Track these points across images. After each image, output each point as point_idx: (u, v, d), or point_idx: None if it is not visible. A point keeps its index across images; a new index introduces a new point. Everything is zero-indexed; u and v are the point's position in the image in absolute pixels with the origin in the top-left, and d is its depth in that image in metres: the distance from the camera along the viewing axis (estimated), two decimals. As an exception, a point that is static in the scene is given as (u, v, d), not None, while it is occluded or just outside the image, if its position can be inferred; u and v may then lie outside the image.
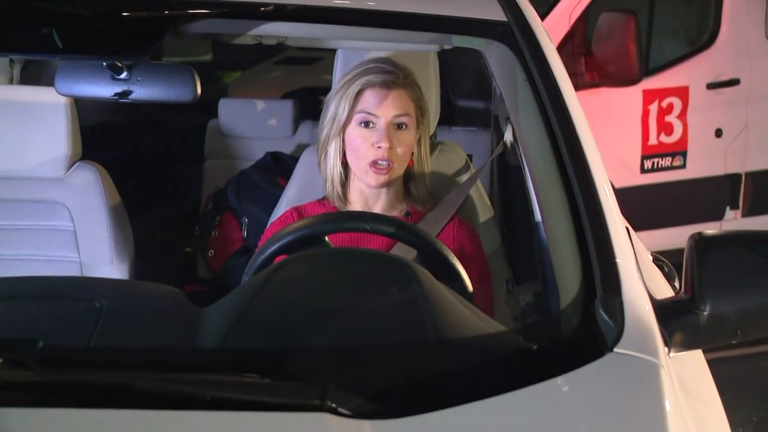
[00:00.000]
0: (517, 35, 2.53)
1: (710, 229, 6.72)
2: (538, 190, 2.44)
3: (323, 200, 2.99)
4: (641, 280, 2.13)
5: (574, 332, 2.02)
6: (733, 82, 6.62)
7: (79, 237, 3.34)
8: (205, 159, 3.90)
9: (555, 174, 2.29)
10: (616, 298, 2.02)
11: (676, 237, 6.58)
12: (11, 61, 4.04)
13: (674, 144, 6.52)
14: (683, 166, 6.57)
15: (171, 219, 3.66)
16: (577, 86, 6.30)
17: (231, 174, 3.63)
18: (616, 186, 6.42)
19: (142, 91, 2.52)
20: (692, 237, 2.23)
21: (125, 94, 2.51)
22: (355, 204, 2.93)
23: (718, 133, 6.61)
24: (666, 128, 6.50)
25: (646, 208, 6.41)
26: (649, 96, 6.42)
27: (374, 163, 2.82)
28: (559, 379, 1.87)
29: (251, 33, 2.61)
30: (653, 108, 6.44)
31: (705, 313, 2.10)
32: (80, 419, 1.74)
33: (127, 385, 1.80)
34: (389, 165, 2.82)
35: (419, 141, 2.93)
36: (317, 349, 2.05)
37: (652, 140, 6.47)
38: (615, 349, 1.92)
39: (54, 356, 1.91)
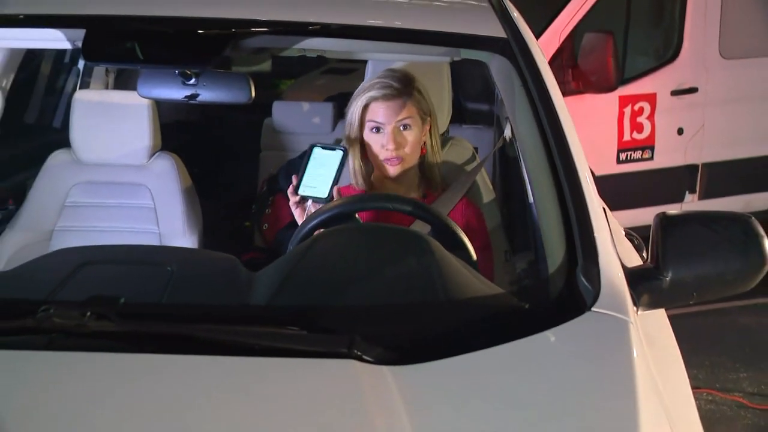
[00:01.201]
0: (514, 49, 2.48)
1: (673, 209, 6.66)
2: (531, 177, 2.39)
3: (350, 186, 2.96)
4: (615, 251, 2.09)
5: (559, 294, 1.98)
6: (692, 90, 6.54)
7: (159, 213, 3.32)
8: (261, 151, 3.86)
9: (545, 164, 2.25)
10: (594, 266, 1.98)
11: (645, 215, 6.51)
12: (107, 70, 4.03)
13: (644, 140, 6.46)
14: (651, 158, 6.50)
15: (234, 199, 3.62)
16: (565, 93, 6.18)
17: (281, 163, 3.59)
18: (597, 174, 6.35)
19: (207, 95, 2.48)
20: (657, 216, 2.20)
21: (193, 96, 2.47)
22: (379, 189, 2.89)
23: (680, 131, 6.54)
24: (637, 127, 6.43)
25: (621, 191, 6.34)
26: (624, 101, 6.36)
27: (388, 160, 2.81)
28: (547, 333, 1.84)
29: (296, 47, 2.55)
30: (627, 110, 6.38)
31: (667, 279, 2.06)
32: (151, 362, 1.72)
33: (189, 335, 1.77)
34: (400, 159, 2.81)
35: (430, 134, 2.89)
36: (347, 307, 2.02)
37: (626, 137, 6.40)
38: (593, 309, 1.89)
39: (131, 311, 1.87)
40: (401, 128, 2.82)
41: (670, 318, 5.74)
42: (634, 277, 2.09)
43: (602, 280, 1.95)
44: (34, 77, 4.27)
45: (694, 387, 4.88)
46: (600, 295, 1.92)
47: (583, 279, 1.96)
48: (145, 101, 3.23)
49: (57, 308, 1.79)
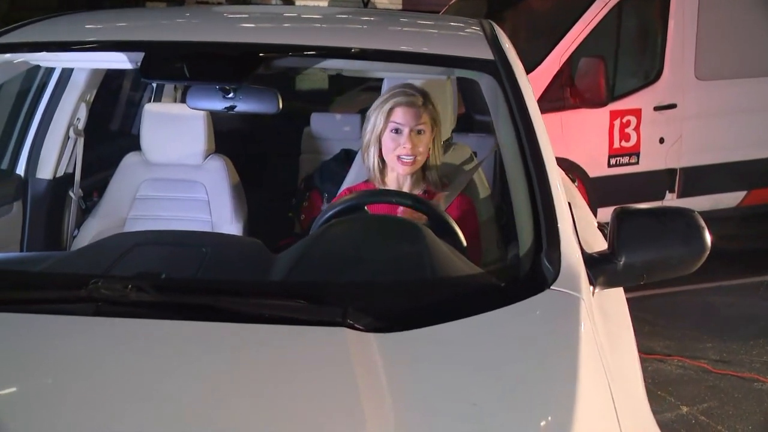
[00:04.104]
0: (500, 70, 2.42)
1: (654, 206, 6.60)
2: (509, 176, 2.35)
3: (368, 181, 2.90)
4: (576, 239, 2.05)
5: (526, 275, 1.95)
6: (672, 106, 6.44)
7: (211, 205, 3.30)
8: (301, 154, 3.85)
9: (520, 166, 2.20)
10: (556, 251, 1.95)
11: (632, 211, 6.46)
12: (175, 86, 4.03)
13: (631, 147, 6.37)
14: (637, 163, 6.41)
15: (277, 194, 3.60)
16: (564, 107, 6.17)
17: (317, 164, 3.58)
18: (591, 175, 6.29)
19: (243, 106, 2.47)
20: (615, 210, 2.15)
21: (231, 107, 2.46)
22: (390, 185, 2.83)
23: (661, 140, 6.45)
24: (625, 137, 6.35)
25: (611, 190, 6.28)
26: (614, 115, 6.27)
27: (399, 158, 2.75)
28: (512, 306, 1.81)
29: (318, 66, 2.54)
30: (617, 123, 6.30)
31: (621, 263, 2.03)
32: (175, 327, 1.71)
33: (208, 305, 1.76)
34: (413, 159, 2.75)
35: (433, 141, 2.83)
36: (345, 283, 1.99)
37: (616, 145, 6.32)
38: (552, 287, 1.86)
39: (167, 285, 1.87)
40: (417, 132, 2.76)
41: (649, 297, 5.69)
42: (592, 261, 2.06)
43: (562, 264, 1.92)
44: (118, 92, 4.28)
45: (666, 354, 4.86)
46: (559, 276, 1.88)
47: (546, 262, 1.93)
48: (201, 113, 3.21)
49: (104, 282, 1.78)
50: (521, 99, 2.34)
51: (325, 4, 15.86)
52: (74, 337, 1.69)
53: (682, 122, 6.50)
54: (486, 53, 2.49)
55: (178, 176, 3.31)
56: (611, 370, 1.73)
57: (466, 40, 2.69)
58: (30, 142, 3.30)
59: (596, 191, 6.28)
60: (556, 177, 2.19)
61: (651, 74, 6.46)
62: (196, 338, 1.68)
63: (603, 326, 1.97)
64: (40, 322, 1.72)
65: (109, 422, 1.45)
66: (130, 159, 3.32)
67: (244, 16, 3.08)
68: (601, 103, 6.13)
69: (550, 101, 6.09)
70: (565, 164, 6.19)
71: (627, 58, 6.46)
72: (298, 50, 2.45)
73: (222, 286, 1.90)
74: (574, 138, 6.17)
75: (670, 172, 6.55)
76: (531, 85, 2.52)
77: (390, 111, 2.76)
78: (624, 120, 6.32)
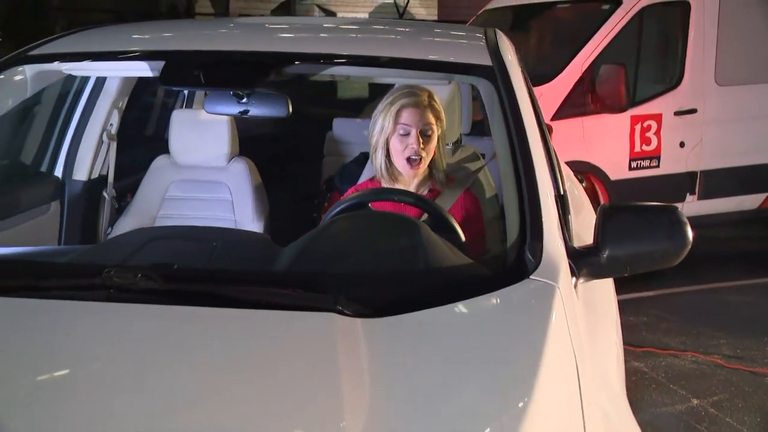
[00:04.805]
0: (497, 75, 2.45)
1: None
2: (501, 175, 2.40)
3: (373, 179, 2.94)
4: (559, 234, 2.08)
5: (511, 265, 1.98)
6: (692, 111, 6.43)
7: (234, 204, 3.36)
8: (324, 157, 3.90)
9: (510, 165, 2.23)
10: (538, 244, 1.99)
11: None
12: (205, 93, 4.11)
13: (652, 151, 6.37)
14: (658, 166, 6.40)
15: (301, 194, 3.66)
16: (585, 113, 6.19)
17: (338, 166, 3.64)
18: (612, 178, 6.30)
19: (255, 110, 2.53)
20: (601, 206, 2.20)
21: (245, 111, 2.52)
22: (397, 184, 2.86)
23: (682, 144, 6.44)
24: (646, 141, 6.34)
25: (632, 193, 6.28)
26: (635, 119, 6.28)
27: (408, 159, 2.77)
28: (493, 294, 1.86)
29: (327, 72, 2.60)
30: (638, 127, 6.30)
31: (604, 256, 2.06)
32: (183, 313, 1.79)
33: (213, 293, 1.84)
34: (420, 159, 2.77)
35: (438, 140, 2.84)
36: (340, 273, 2.04)
37: (637, 149, 6.32)
38: (531, 277, 1.90)
39: (173, 274, 1.95)
40: (425, 132, 2.78)
41: (669, 296, 5.70)
42: (577, 254, 2.09)
43: (543, 255, 1.95)
44: (152, 100, 4.40)
45: (681, 350, 4.86)
46: (539, 267, 1.92)
47: (528, 254, 1.96)
48: (226, 118, 3.30)
49: (117, 271, 1.86)
50: (515, 102, 2.37)
51: (366, 15, 15.95)
52: (88, 320, 1.78)
53: (702, 126, 6.48)
54: (485, 60, 2.52)
55: (204, 177, 3.38)
56: (585, 359, 1.76)
57: (469, 48, 2.72)
58: (67, 146, 3.41)
59: (617, 194, 6.28)
60: (545, 176, 2.22)
61: (672, 80, 6.45)
62: (196, 321, 1.74)
63: (585, 317, 2.01)
64: (60, 306, 1.81)
65: (113, 386, 1.55)
66: (159, 162, 3.40)
67: (261, 26, 3.14)
68: (621, 109, 6.14)
69: (572, 107, 6.12)
70: (586, 167, 6.22)
71: (648, 64, 6.44)
72: (306, 59, 2.50)
73: (224, 276, 1.97)
74: (596, 142, 6.18)
75: (691, 175, 6.53)
76: (526, 90, 2.55)
77: (398, 113, 2.77)
78: (645, 124, 6.31)
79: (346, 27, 3.37)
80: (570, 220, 2.71)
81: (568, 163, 6.06)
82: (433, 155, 2.85)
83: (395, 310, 1.77)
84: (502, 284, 1.89)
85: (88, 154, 3.39)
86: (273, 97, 2.56)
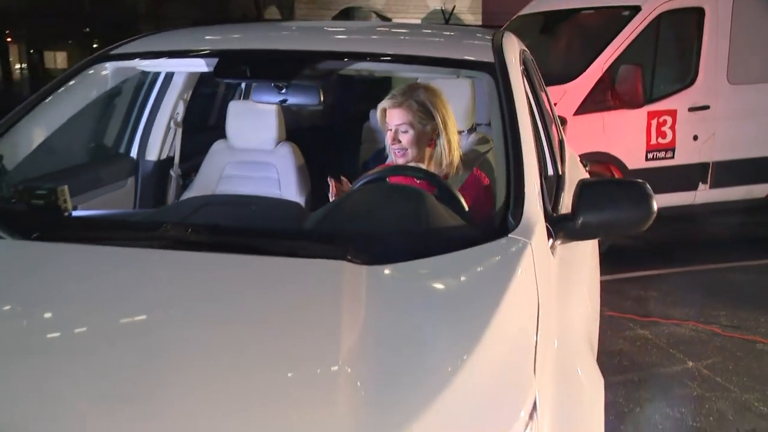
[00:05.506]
0: (497, 71, 2.61)
1: (688, 196, 6.68)
2: (495, 156, 2.57)
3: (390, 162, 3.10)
4: (539, 203, 2.24)
5: (497, 226, 2.15)
6: (705, 107, 6.52)
7: (281, 182, 3.58)
8: (362, 144, 4.09)
9: (502, 147, 2.40)
10: (519, 209, 2.16)
11: (669, 200, 6.57)
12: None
13: (667, 144, 6.47)
14: (672, 158, 6.50)
15: (344, 176, 3.85)
16: (606, 109, 6.32)
17: (373, 152, 3.82)
18: (629, 168, 6.41)
19: (293, 99, 2.75)
20: (579, 180, 2.37)
21: (284, 101, 2.74)
22: None
23: (695, 137, 6.53)
24: (662, 134, 6.45)
25: (649, 181, 6.29)
26: (651, 115, 6.38)
27: (393, 151, 2.95)
28: (475, 247, 2.04)
29: (351, 68, 2.77)
30: (654, 122, 6.40)
31: (579, 222, 2.25)
32: (221, 259, 2.01)
33: (246, 244, 2.07)
34: (405, 151, 2.92)
35: (442, 129, 2.94)
36: (356, 230, 2.25)
37: (653, 141, 6.42)
38: (509, 235, 2.07)
39: (214, 229, 2.15)
40: (400, 130, 2.92)
41: (678, 274, 5.80)
42: (556, 219, 2.28)
43: (523, 219, 2.13)
44: (215, 93, 4.66)
45: (682, 320, 5.00)
46: (518, 227, 2.10)
47: (510, 217, 2.14)
48: (274, 108, 3.52)
49: (172, 226, 2.13)
50: (510, 94, 2.52)
51: (418, 20, 16.09)
52: (150, 262, 2.03)
53: (714, 121, 6.56)
54: (488, 57, 2.70)
55: (255, 159, 3.59)
56: (549, 306, 1.93)
57: (475, 47, 2.89)
58: (141, 131, 3.70)
59: (636, 182, 6.40)
60: (531, 155, 2.38)
61: (686, 79, 6.55)
62: (230, 264, 1.98)
63: (559, 274, 2.18)
64: (128, 252, 2.06)
65: (173, 306, 1.82)
66: (217, 146, 3.66)
67: (299, 29, 3.33)
68: (638, 105, 6.26)
69: (593, 103, 6.25)
70: (606, 158, 6.36)
71: (665, 65, 6.54)
72: (333, 56, 2.69)
73: (257, 232, 2.21)
74: (615, 135, 6.31)
75: (703, 166, 6.62)
76: (523, 84, 2.69)
77: (382, 114, 2.98)
78: (661, 119, 6.42)
79: (372, 29, 3.57)
80: (562, 195, 2.92)
81: (589, 154, 6.23)
82: (432, 146, 2.97)
83: (395, 260, 1.98)
84: (486, 241, 2.08)
85: (159, 138, 3.68)
86: (307, 88, 2.78)
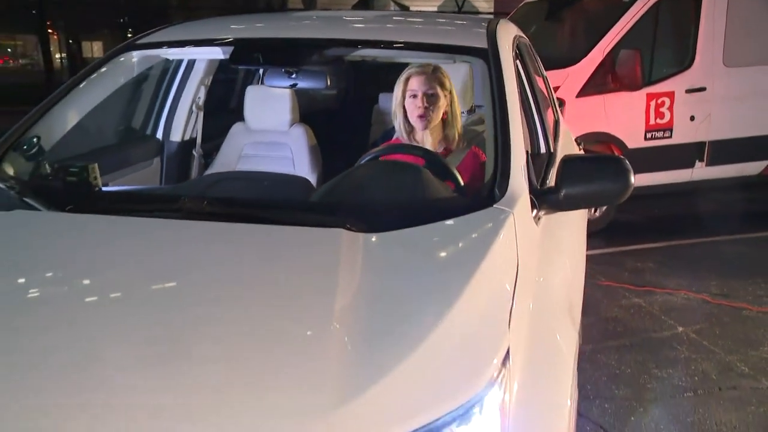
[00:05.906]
0: (489, 56, 2.68)
1: (685, 173, 6.73)
2: (486, 134, 2.65)
3: (397, 139, 3.22)
4: (524, 176, 2.33)
5: (485, 197, 2.23)
6: (702, 89, 6.57)
7: (295, 161, 3.65)
8: (371, 125, 4.15)
9: (492, 125, 2.48)
10: (505, 182, 2.24)
11: (667, 177, 6.63)
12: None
13: (665, 124, 6.52)
14: (670, 137, 6.56)
15: (352, 156, 3.94)
16: (606, 91, 6.37)
17: (382, 132, 3.91)
18: (629, 147, 6.48)
19: (302, 83, 2.84)
20: (563, 156, 2.45)
21: (294, 85, 2.83)
22: (415, 142, 3.10)
23: (692, 118, 6.58)
24: (660, 115, 6.50)
25: (648, 160, 6.45)
26: (650, 97, 6.44)
27: (419, 116, 3.02)
28: (465, 216, 2.14)
29: (357, 54, 2.85)
30: (653, 103, 6.46)
31: (561, 194, 2.33)
32: (232, 227, 2.13)
33: (256, 215, 2.17)
34: (427, 116, 3.02)
35: (450, 104, 3.05)
36: (356, 202, 2.36)
37: (652, 122, 6.48)
38: (494, 205, 2.16)
39: (227, 201, 2.27)
40: (429, 95, 3.01)
41: (674, 247, 5.87)
42: (539, 192, 2.36)
43: (507, 191, 2.21)
44: (234, 79, 4.76)
45: (675, 289, 5.09)
46: (503, 198, 2.19)
47: (496, 189, 2.23)
48: (288, 92, 3.62)
49: (189, 198, 2.26)
50: (501, 77, 2.60)
51: (434, 9, 16.08)
52: (170, 231, 2.15)
53: (711, 103, 6.60)
54: (481, 43, 2.78)
55: (271, 140, 3.68)
56: (529, 271, 2.01)
57: (471, 34, 2.97)
58: (165, 114, 3.82)
59: (634, 161, 6.41)
60: (517, 133, 2.46)
61: (684, 62, 6.60)
62: (242, 233, 2.10)
63: (543, 243, 2.27)
64: (150, 222, 2.18)
65: (187, 265, 1.95)
66: (236, 127, 3.75)
67: (310, 17, 3.41)
68: (637, 87, 6.31)
69: (594, 86, 6.32)
70: (606, 137, 6.43)
71: (663, 49, 6.59)
72: (338, 43, 2.79)
73: (266, 203, 2.33)
74: (615, 116, 6.37)
75: (700, 145, 6.67)
76: (514, 68, 2.77)
77: (406, 80, 3.05)
78: (659, 101, 6.47)
79: (380, 17, 3.64)
80: (552, 171, 3.00)
81: (590, 134, 6.30)
82: (445, 118, 3.08)
83: (390, 228, 2.07)
84: (473, 210, 2.16)
85: (182, 121, 3.80)
86: (315, 73, 2.88)
